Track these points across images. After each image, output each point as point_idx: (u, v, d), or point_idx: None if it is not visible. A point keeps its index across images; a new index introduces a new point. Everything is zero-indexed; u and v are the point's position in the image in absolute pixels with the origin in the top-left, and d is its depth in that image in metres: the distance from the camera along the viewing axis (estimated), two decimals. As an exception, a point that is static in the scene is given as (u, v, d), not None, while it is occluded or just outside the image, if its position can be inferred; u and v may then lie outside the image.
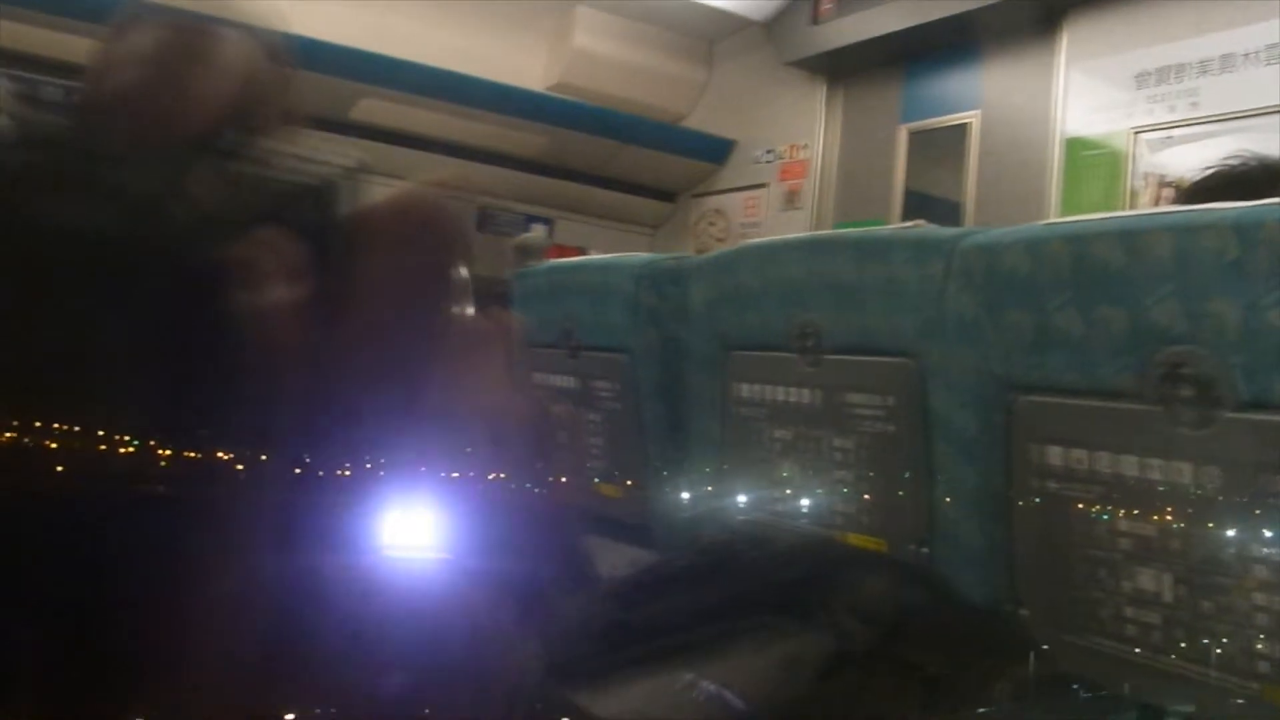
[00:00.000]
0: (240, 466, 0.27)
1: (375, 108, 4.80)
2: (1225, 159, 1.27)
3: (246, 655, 0.27)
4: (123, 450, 0.25)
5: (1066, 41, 4.08)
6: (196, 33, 0.31)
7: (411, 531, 0.29)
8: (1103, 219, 0.98)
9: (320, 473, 0.28)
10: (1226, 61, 3.54)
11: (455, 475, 0.30)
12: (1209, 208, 0.90)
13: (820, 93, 5.30)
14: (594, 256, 2.01)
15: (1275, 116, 3.32)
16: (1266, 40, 3.42)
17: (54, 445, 0.24)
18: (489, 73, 5.01)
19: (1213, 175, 1.27)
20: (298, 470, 0.28)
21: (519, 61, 5.38)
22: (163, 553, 0.26)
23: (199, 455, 0.26)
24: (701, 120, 5.85)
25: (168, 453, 0.26)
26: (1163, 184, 3.71)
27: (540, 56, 5.53)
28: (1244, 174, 1.24)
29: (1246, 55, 3.48)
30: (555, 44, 5.50)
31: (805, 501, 1.33)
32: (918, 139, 4.83)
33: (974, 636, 0.50)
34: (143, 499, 0.26)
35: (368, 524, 0.28)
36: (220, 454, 0.27)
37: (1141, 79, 3.79)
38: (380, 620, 0.28)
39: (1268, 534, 0.83)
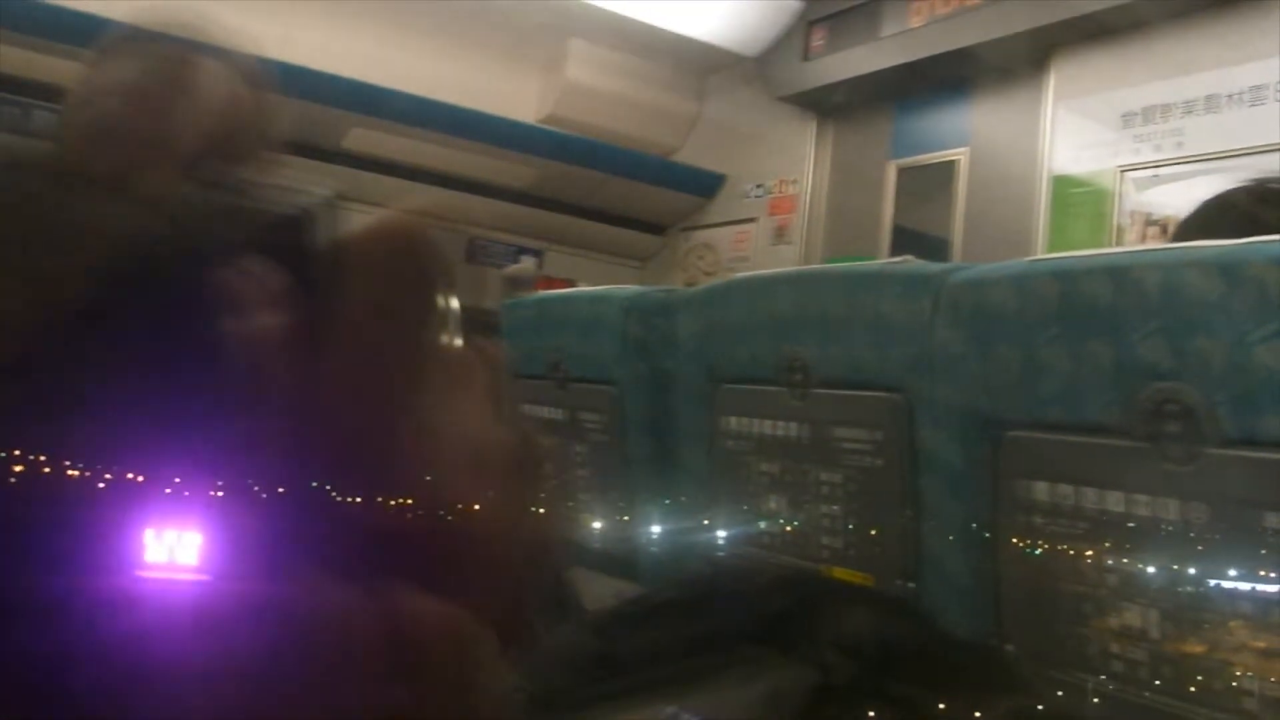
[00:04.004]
0: (221, 495, 0.27)
1: (368, 137, 4.81)
2: (1259, 179, 1.26)
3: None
4: (99, 480, 0.25)
5: (1054, 80, 4.12)
6: (179, 61, 0.31)
7: (386, 561, 0.29)
8: (1089, 255, 0.98)
9: (302, 501, 0.28)
10: (1211, 102, 3.58)
11: (434, 507, 0.30)
12: (1195, 245, 0.90)
13: (810, 128, 5.34)
14: (583, 288, 2.02)
15: (1259, 157, 3.35)
16: (1250, 82, 3.46)
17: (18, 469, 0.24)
18: (481, 104, 5.04)
19: (1234, 190, 1.26)
20: (282, 497, 0.28)
21: (511, 93, 5.41)
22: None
23: (180, 483, 0.26)
24: (692, 154, 5.89)
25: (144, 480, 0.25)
26: (1149, 222, 3.74)
27: (532, 89, 5.56)
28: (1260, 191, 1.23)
29: (1231, 96, 3.52)
30: (548, 76, 5.53)
31: (792, 535, 1.33)
32: (906, 175, 4.87)
33: (959, 671, 0.50)
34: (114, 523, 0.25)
35: (343, 553, 0.28)
36: (201, 483, 0.26)
37: (1128, 118, 3.83)
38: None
39: (1254, 570, 0.83)
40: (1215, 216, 1.21)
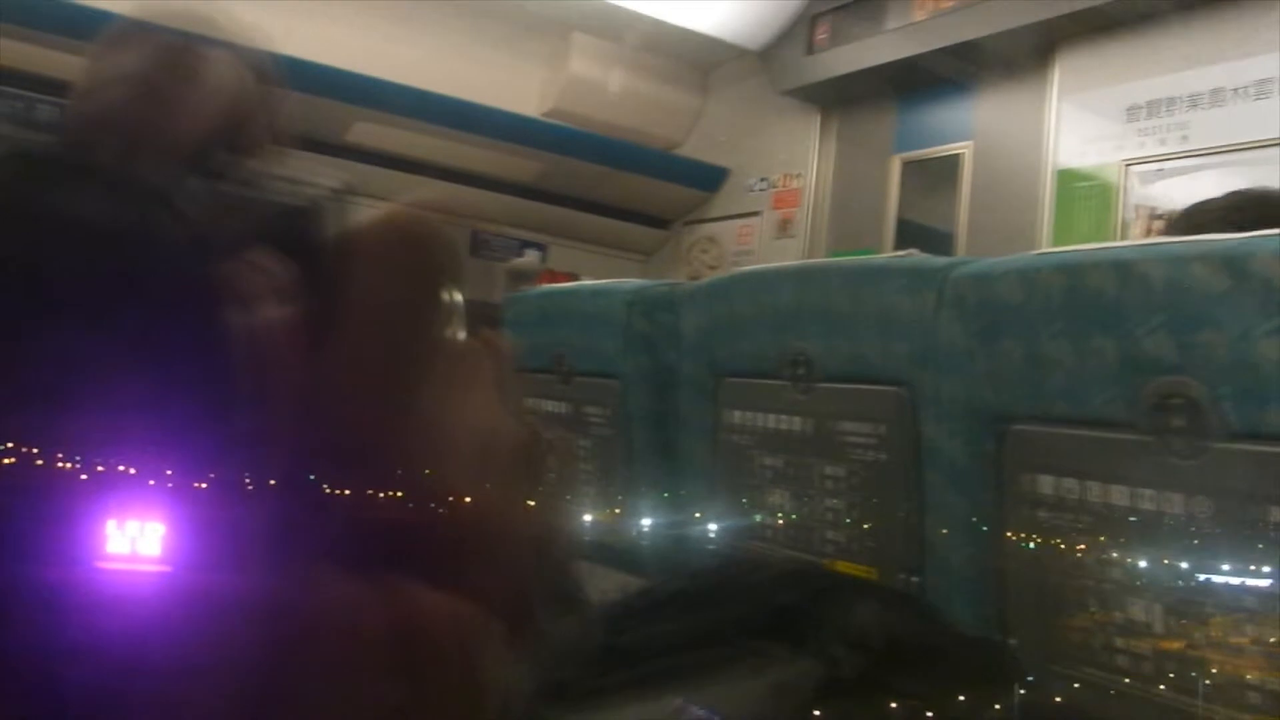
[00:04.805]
0: (226, 489, 0.27)
1: (371, 131, 4.81)
2: (1231, 192, 1.27)
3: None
4: (91, 473, 0.25)
5: (1058, 74, 4.11)
6: (184, 53, 0.31)
7: (392, 555, 0.29)
8: (1094, 249, 0.98)
9: (310, 493, 0.28)
10: (1216, 96, 3.56)
11: (440, 500, 0.30)
12: (1201, 239, 0.90)
13: (814, 122, 5.33)
14: (587, 282, 2.01)
15: (1264, 150, 3.34)
16: (1256, 75, 3.45)
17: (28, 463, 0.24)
18: (485, 98, 5.03)
19: (1206, 203, 1.27)
20: (289, 490, 0.28)
21: (515, 87, 5.40)
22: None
23: (183, 477, 0.26)
24: (696, 148, 5.87)
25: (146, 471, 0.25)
26: (1154, 216, 3.73)
27: (536, 82, 5.55)
28: (1240, 204, 1.24)
29: (1236, 90, 3.51)
30: (551, 70, 5.52)
31: (796, 529, 1.33)
32: (911, 169, 4.85)
33: (963, 665, 0.50)
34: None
35: (350, 546, 0.28)
36: (211, 475, 0.26)
37: (1133, 112, 3.82)
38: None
39: (1258, 564, 0.83)
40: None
